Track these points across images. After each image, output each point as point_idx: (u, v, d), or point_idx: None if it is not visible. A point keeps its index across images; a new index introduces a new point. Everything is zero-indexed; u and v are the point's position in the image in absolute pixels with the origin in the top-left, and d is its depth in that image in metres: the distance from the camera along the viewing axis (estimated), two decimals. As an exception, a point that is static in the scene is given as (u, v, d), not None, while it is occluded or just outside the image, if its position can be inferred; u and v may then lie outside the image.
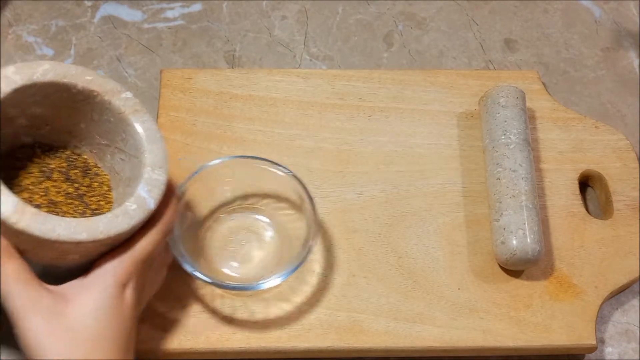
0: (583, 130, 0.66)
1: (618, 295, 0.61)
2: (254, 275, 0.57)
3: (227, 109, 0.65)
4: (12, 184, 0.49)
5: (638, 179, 0.63)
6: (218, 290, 0.57)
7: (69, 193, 0.51)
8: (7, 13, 0.73)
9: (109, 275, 0.46)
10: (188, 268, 0.52)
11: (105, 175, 0.54)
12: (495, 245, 0.58)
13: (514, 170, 0.59)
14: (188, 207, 0.57)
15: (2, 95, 0.45)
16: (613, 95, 0.71)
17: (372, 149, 0.64)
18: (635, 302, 0.61)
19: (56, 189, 0.51)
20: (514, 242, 0.56)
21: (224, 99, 0.65)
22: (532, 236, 0.56)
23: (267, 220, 0.60)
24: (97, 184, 0.53)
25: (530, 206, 0.57)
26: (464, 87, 0.67)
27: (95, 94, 0.49)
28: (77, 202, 0.51)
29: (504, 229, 0.57)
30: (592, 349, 0.57)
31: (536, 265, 0.58)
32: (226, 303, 0.56)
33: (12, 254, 0.43)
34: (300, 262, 0.53)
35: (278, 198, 0.59)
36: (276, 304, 0.57)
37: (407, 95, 0.66)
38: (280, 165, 0.57)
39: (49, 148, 0.53)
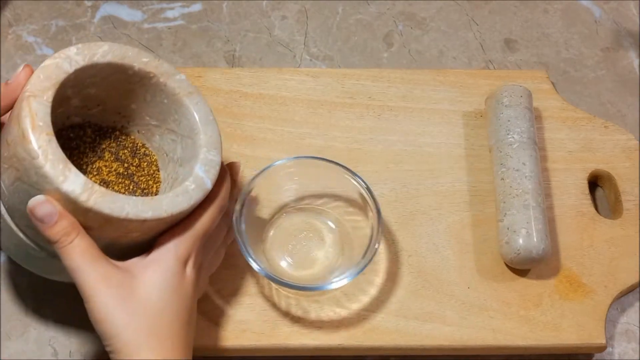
0: (592, 130, 0.66)
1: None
2: (310, 274, 0.57)
3: (237, 107, 0.65)
4: None
5: (646, 179, 0.63)
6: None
7: (119, 173, 0.52)
8: (7, 13, 0.73)
9: (171, 253, 0.47)
10: (254, 265, 0.53)
11: (153, 155, 0.54)
12: (500, 246, 0.58)
13: (517, 170, 0.59)
14: (255, 202, 0.57)
15: (64, 76, 0.46)
16: (613, 95, 0.71)
17: (382, 148, 0.64)
18: (635, 302, 0.61)
19: (107, 169, 0.52)
20: (519, 241, 0.56)
21: (233, 97, 0.65)
22: (536, 235, 0.56)
23: (330, 222, 0.59)
24: (146, 163, 0.54)
25: (535, 204, 0.57)
26: (473, 87, 0.67)
27: (152, 75, 0.50)
28: (127, 182, 0.52)
29: (508, 228, 0.57)
30: (601, 349, 0.57)
31: (542, 264, 0.58)
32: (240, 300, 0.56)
33: (81, 231, 0.44)
34: (366, 263, 0.53)
35: (344, 201, 0.59)
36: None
37: (416, 95, 0.67)
38: (349, 171, 0.57)
39: (98, 128, 0.53)
